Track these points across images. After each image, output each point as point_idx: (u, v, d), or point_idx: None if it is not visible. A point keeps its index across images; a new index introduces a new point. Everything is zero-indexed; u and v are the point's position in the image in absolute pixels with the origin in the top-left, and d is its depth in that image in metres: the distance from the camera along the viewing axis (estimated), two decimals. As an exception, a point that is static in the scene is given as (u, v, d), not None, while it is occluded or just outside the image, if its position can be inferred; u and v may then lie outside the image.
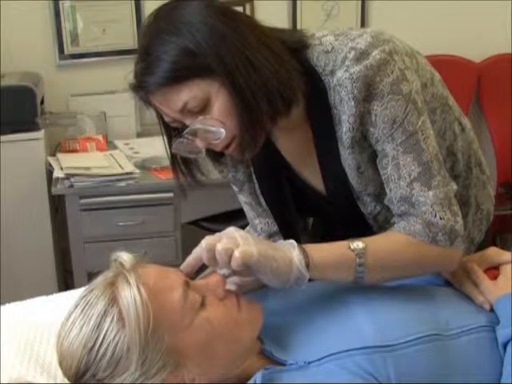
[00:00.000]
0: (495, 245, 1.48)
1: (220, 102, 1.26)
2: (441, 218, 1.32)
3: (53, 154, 3.12)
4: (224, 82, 1.24)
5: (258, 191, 1.58)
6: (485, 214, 1.65)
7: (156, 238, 3.03)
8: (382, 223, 1.49)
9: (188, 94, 1.25)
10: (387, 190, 1.37)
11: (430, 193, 1.33)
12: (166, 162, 3.24)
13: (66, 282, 3.31)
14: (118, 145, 3.28)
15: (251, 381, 1.15)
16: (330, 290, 1.35)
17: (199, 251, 1.20)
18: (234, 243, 1.16)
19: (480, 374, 1.22)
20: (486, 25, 3.83)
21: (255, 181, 1.57)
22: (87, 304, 1.11)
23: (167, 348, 1.08)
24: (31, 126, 2.95)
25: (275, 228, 1.62)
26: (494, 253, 1.40)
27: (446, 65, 3.83)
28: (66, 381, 1.13)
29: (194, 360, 1.12)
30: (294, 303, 1.34)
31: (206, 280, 1.21)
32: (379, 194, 1.43)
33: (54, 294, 1.64)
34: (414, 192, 1.33)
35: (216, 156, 1.48)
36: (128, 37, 3.37)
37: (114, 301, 1.09)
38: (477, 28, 3.83)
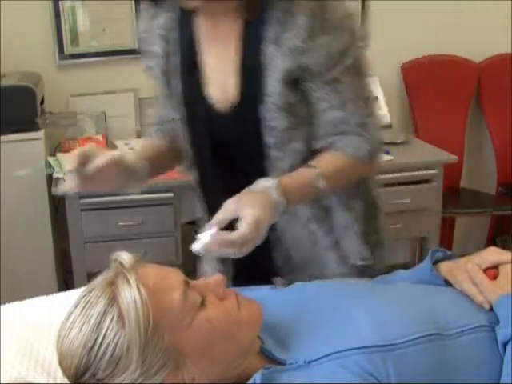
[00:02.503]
0: (495, 245, 1.48)
1: None
2: (371, 138, 1.55)
3: (53, 154, 3.12)
4: None
5: (172, 72, 1.61)
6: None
7: (156, 238, 3.03)
8: (280, 143, 1.55)
9: None
10: (340, 111, 1.52)
11: (364, 116, 1.54)
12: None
13: (65, 282, 3.31)
14: (118, 145, 3.28)
15: (251, 380, 1.15)
16: (329, 291, 1.35)
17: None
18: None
19: (480, 373, 1.21)
20: (487, 25, 3.83)
21: (174, 61, 1.60)
22: (87, 304, 1.11)
23: (167, 347, 1.08)
24: (31, 126, 2.95)
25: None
26: (493, 252, 1.40)
27: (447, 65, 3.84)
28: (66, 380, 1.13)
29: (193, 359, 1.12)
30: (293, 303, 1.35)
31: (206, 280, 1.21)
32: (285, 109, 1.51)
33: (54, 294, 1.64)
34: (369, 112, 1.55)
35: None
36: (128, 37, 3.37)
37: (113, 300, 1.09)
38: (477, 28, 3.84)
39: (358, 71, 1.53)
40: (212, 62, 1.57)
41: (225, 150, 1.61)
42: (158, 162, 1.68)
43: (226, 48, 1.53)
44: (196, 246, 1.29)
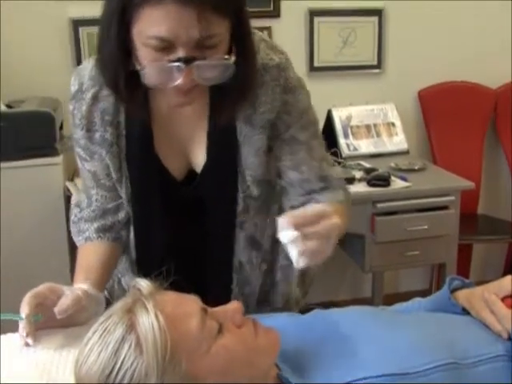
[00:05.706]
0: (514, 272, 1.48)
1: (226, 45, 1.31)
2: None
3: (71, 179, 3.14)
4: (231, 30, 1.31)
5: (123, 156, 1.56)
6: None
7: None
8: (248, 204, 1.58)
9: (220, 28, 1.26)
10: (296, 173, 1.55)
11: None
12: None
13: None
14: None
15: (269, 407, 1.15)
16: (348, 319, 1.35)
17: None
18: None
19: (497, 403, 1.21)
20: (503, 51, 3.85)
21: (124, 145, 1.56)
22: (105, 330, 1.11)
23: (185, 374, 1.08)
24: (50, 151, 2.96)
25: (110, 205, 1.64)
26: (511, 281, 1.40)
27: (464, 91, 3.85)
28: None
29: (211, 386, 1.12)
30: (312, 331, 1.34)
31: (224, 307, 1.22)
32: (260, 179, 1.55)
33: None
34: (324, 168, 1.57)
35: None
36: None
37: (131, 327, 1.09)
38: (494, 55, 3.85)
39: (313, 129, 1.57)
40: (171, 134, 1.54)
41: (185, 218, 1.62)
42: (107, 278, 1.64)
43: (188, 121, 1.52)
44: (283, 239, 1.20)
